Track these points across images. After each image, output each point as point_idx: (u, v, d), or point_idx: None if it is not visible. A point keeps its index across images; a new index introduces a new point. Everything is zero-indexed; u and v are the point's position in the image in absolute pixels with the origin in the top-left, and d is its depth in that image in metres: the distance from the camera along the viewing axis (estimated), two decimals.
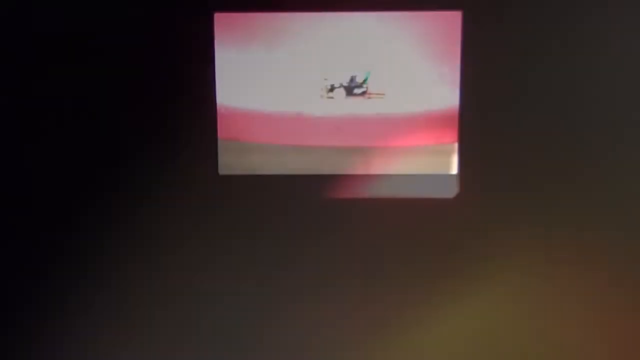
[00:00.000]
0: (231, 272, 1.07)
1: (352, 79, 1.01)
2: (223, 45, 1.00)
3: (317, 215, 1.05)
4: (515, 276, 1.06)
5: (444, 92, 1.01)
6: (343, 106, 1.02)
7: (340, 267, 1.07)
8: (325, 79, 1.01)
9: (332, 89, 1.01)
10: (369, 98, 1.02)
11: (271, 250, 1.07)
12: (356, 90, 1.01)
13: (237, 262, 1.07)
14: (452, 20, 0.99)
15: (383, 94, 1.01)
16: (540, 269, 1.06)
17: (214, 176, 1.04)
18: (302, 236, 1.06)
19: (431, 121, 1.02)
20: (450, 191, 1.04)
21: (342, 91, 1.02)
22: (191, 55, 1.00)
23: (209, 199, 1.05)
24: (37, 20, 1.00)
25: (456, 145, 1.03)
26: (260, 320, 1.09)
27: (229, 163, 1.04)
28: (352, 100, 1.02)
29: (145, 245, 1.07)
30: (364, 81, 1.01)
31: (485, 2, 0.99)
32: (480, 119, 1.02)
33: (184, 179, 1.04)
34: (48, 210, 1.05)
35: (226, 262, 1.07)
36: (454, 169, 1.03)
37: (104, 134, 1.03)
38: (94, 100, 1.02)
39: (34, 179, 1.05)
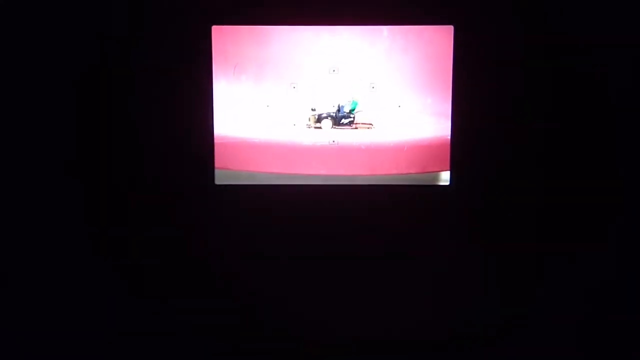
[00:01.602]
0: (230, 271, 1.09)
1: (340, 109, 1.02)
2: (217, 65, 1.01)
3: (308, 220, 1.07)
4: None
5: (431, 122, 1.02)
6: (331, 136, 1.03)
7: (332, 270, 1.08)
8: (313, 109, 1.02)
9: (319, 119, 1.02)
10: (356, 128, 1.02)
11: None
12: (343, 121, 1.02)
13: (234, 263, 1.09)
14: (443, 41, 1.00)
15: (371, 124, 1.02)
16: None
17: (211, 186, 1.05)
18: (297, 237, 1.08)
19: (417, 150, 1.03)
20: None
21: (329, 121, 1.02)
22: (191, 71, 1.02)
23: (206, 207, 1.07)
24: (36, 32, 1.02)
25: (442, 174, 1.03)
26: (257, 319, 1.10)
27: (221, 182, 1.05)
28: (339, 130, 1.03)
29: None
30: (351, 111, 1.02)
31: (478, 16, 1.00)
32: (471, 136, 1.03)
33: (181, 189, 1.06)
34: (50, 216, 1.06)
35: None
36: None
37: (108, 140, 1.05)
38: (102, 113, 1.04)
39: (35, 184, 1.06)
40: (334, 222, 1.06)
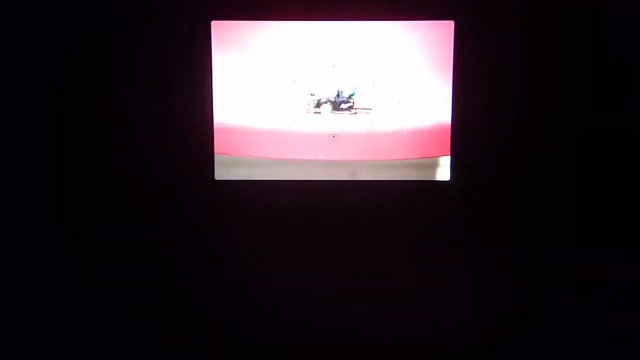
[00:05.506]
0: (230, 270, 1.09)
1: (339, 94, 1.02)
2: (216, 59, 1.02)
3: (308, 216, 1.07)
4: None
5: (431, 107, 1.02)
6: (330, 121, 1.03)
7: (333, 268, 1.08)
8: (312, 94, 1.02)
9: (318, 104, 1.02)
10: (356, 113, 1.02)
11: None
12: (343, 106, 1.02)
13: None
14: (444, 32, 1.00)
15: (370, 109, 1.02)
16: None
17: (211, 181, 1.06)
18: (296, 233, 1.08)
19: (417, 135, 1.03)
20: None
21: (328, 106, 1.02)
22: (189, 66, 1.02)
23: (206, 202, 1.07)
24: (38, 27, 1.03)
25: (442, 159, 1.03)
26: (256, 318, 1.09)
27: (220, 176, 1.05)
28: (339, 115, 1.03)
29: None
30: (351, 96, 1.02)
31: (477, 12, 1.00)
32: (471, 129, 1.02)
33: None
34: (51, 214, 1.07)
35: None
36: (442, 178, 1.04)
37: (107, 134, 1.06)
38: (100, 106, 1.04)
39: (34, 183, 1.06)
40: (333, 218, 1.06)
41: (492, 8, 1.00)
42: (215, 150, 1.04)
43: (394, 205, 1.06)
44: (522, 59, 1.01)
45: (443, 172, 1.04)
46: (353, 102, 1.02)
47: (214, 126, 1.03)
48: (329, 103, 1.02)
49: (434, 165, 1.03)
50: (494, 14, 1.00)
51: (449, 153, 1.03)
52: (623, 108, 1.02)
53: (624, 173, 1.04)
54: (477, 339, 1.07)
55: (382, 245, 1.07)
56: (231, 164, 1.04)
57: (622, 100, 1.02)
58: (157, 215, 1.07)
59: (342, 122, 1.03)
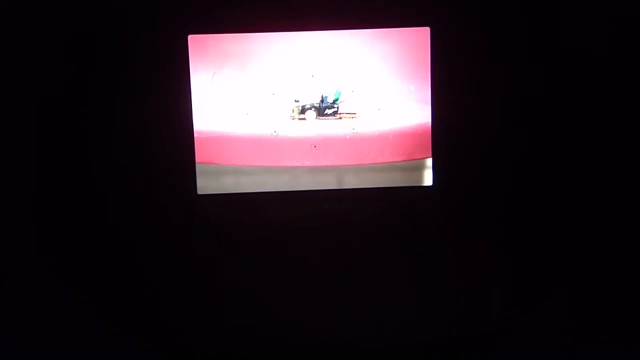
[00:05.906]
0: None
1: (323, 99, 1.02)
2: (196, 70, 1.01)
3: (294, 227, 1.07)
4: None
5: (414, 110, 1.02)
6: (315, 127, 1.03)
7: (320, 273, 1.08)
8: (297, 101, 1.02)
9: (303, 110, 1.02)
10: (340, 118, 1.03)
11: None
12: (327, 111, 1.02)
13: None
14: (420, 37, 1.01)
15: (354, 114, 1.02)
16: None
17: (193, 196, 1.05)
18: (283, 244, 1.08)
19: (402, 138, 1.03)
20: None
21: (313, 112, 1.02)
22: (168, 79, 1.01)
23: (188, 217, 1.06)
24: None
25: (427, 161, 1.04)
26: (247, 323, 1.09)
27: (205, 186, 1.04)
28: (323, 121, 1.03)
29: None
30: (335, 101, 1.02)
31: (452, 18, 1.01)
32: (451, 132, 1.03)
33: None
34: (39, 225, 1.05)
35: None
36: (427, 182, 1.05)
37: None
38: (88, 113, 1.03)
39: (13, 193, 1.04)
40: (320, 227, 1.06)
41: (466, 14, 1.01)
42: (199, 159, 1.03)
43: (378, 211, 1.06)
44: (497, 62, 1.02)
45: (428, 174, 1.05)
46: (337, 107, 1.02)
47: (197, 135, 1.02)
48: (313, 109, 1.02)
49: (420, 167, 1.04)
50: (468, 20, 1.02)
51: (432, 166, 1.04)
52: (605, 110, 1.04)
53: (621, 174, 1.06)
54: (465, 340, 1.08)
55: (369, 251, 1.07)
56: (215, 172, 1.04)
57: (605, 102, 1.04)
58: (139, 226, 1.06)
59: (327, 127, 1.03)
